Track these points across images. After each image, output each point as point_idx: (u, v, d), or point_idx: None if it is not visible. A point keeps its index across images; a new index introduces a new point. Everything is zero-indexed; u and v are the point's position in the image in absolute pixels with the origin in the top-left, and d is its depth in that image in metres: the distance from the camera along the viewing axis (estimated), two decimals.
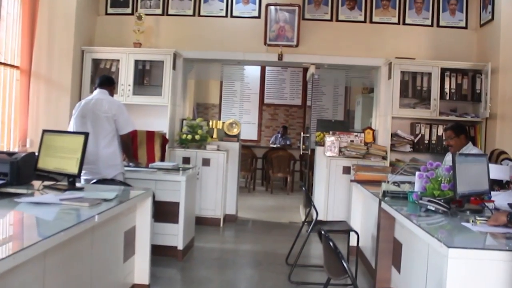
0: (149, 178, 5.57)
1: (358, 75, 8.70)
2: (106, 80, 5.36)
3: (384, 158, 7.13)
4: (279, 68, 14.55)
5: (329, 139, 7.33)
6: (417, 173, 4.29)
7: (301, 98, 14.53)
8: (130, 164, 5.64)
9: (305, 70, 14.71)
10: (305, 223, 5.27)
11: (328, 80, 14.10)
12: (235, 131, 7.77)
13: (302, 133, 8.83)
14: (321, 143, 7.69)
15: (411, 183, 4.53)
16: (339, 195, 7.18)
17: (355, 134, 7.54)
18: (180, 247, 5.58)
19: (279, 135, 13.36)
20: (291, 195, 10.75)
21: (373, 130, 7.59)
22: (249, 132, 14.52)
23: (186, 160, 7.33)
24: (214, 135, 7.74)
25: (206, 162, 7.33)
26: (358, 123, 12.38)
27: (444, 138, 5.65)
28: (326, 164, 7.27)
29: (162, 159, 6.98)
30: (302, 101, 14.53)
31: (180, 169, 5.61)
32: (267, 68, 14.57)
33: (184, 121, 7.80)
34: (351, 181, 5.77)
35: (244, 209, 8.59)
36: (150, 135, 6.98)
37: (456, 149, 5.28)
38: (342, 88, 14.47)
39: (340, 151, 7.32)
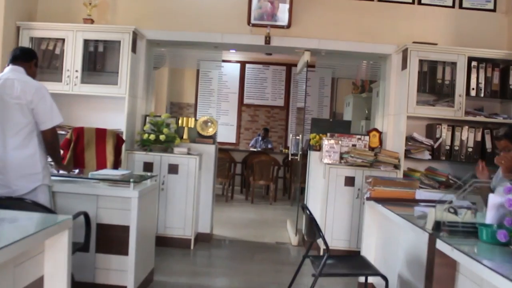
0: (88, 192, 3.83)
1: (361, 65, 6.99)
2: (23, 53, 3.59)
3: (397, 167, 5.49)
4: (260, 66, 12.88)
5: (328, 142, 5.66)
6: (492, 196, 2.66)
7: (283, 99, 12.87)
8: (61, 171, 3.89)
9: (289, 67, 13.08)
10: (308, 258, 3.57)
11: (321, 73, 12.51)
12: (210, 131, 6.05)
13: (292, 136, 7.14)
14: (316, 147, 6.02)
15: (472, 209, 2.88)
16: (340, 213, 5.51)
17: (358, 137, 5.89)
18: (131, 286, 3.85)
19: (260, 138, 11.68)
20: (274, 205, 9.04)
21: (380, 133, 5.95)
22: (227, 134, 12.81)
23: (148, 167, 5.59)
24: (185, 136, 6.00)
25: (173, 168, 5.59)
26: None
27: (498, 149, 3.86)
28: (323, 173, 5.61)
29: (117, 165, 5.23)
30: (285, 101, 12.86)
31: (132, 181, 3.84)
32: (247, 66, 12.87)
33: (147, 118, 6.04)
34: (367, 199, 4.10)
35: (220, 224, 6.87)
36: (101, 134, 5.22)
37: (510, 164, 3.59)
38: (328, 89, 12.86)
39: (341, 157, 5.66)
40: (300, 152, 6.74)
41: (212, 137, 6.05)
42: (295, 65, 13.23)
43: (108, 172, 4.15)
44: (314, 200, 5.94)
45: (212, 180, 6.05)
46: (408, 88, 5.42)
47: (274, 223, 7.51)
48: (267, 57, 12.37)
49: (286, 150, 11.33)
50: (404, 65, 5.56)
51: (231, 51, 12.59)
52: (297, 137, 6.81)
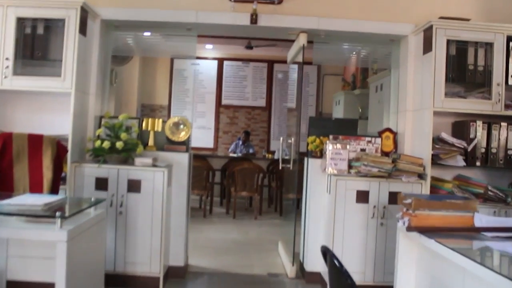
0: None
1: (369, 50, 5.73)
2: None
3: (422, 176, 4.21)
4: (240, 63, 11.54)
5: (332, 147, 4.35)
6: None
7: (265, 98, 11.55)
8: None
9: (271, 64, 11.76)
10: None
11: (306, 69, 11.22)
12: (182, 136, 4.68)
13: (283, 139, 5.79)
14: (316, 153, 4.70)
15: None
16: (351, 238, 4.19)
17: (368, 139, 4.60)
18: None
19: (240, 142, 10.33)
20: (260, 219, 7.68)
21: (394, 134, 4.67)
22: (204, 139, 11.44)
23: (102, 183, 4.19)
24: (150, 142, 4.62)
25: (134, 185, 4.20)
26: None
27: None
28: (328, 187, 4.31)
29: (57, 184, 3.84)
30: (267, 101, 11.54)
31: (59, 216, 2.45)
32: (225, 63, 11.52)
33: (103, 120, 4.65)
34: (408, 229, 2.78)
35: (198, 251, 5.50)
36: (35, 142, 3.81)
37: None
38: (314, 87, 11.59)
39: (349, 166, 4.35)
40: (294, 158, 5.42)
41: (185, 143, 4.69)
42: (278, 62, 11.93)
43: (27, 200, 2.73)
44: (315, 220, 4.62)
45: (185, 198, 4.68)
46: (434, 76, 4.14)
47: (262, 245, 6.16)
48: (247, 53, 11.03)
49: (270, 155, 10.02)
50: (427, 48, 4.28)
51: (207, 47, 11.25)
52: (289, 141, 5.49)
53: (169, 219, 4.48)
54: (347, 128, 4.82)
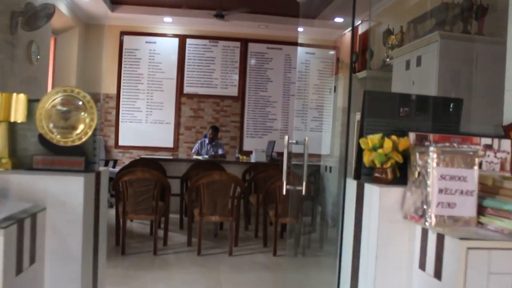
0: None
1: None
2: None
3: None
4: (206, 42, 8.76)
5: (441, 161, 1.66)
6: None
7: (238, 86, 8.82)
8: None
9: (245, 43, 9.01)
10: None
11: (287, 50, 8.66)
12: (77, 135, 1.91)
13: (284, 138, 3.08)
14: (384, 174, 1.98)
15: None
16: None
17: (486, 142, 1.95)
18: None
19: (207, 141, 7.59)
20: (237, 254, 4.92)
21: None
22: (161, 136, 8.65)
23: None
24: (0, 149, 1.85)
25: None
26: (336, 119, 6.94)
27: None
28: (423, 258, 1.62)
29: None
30: (239, 89, 8.81)
31: None
32: (188, 41, 8.73)
33: None
34: None
35: None
36: None
37: None
38: (296, 72, 8.92)
39: (479, 209, 1.68)
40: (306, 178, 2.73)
41: (84, 151, 1.93)
42: (254, 41, 9.23)
43: None
44: None
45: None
46: None
47: None
48: (216, 28, 8.29)
49: (244, 158, 7.31)
50: None
51: (165, 20, 8.43)
52: (295, 141, 2.83)
53: None
54: (438, 116, 2.13)
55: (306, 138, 2.83)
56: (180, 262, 4.62)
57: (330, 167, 6.89)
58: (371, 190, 1.89)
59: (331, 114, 7.24)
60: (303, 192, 2.75)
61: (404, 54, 4.88)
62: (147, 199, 4.61)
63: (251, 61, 8.82)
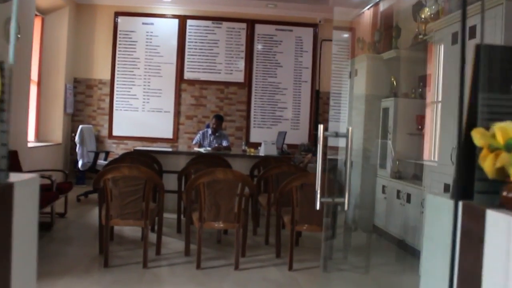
0: None
1: None
2: None
3: None
4: (209, 23, 7.83)
5: None
6: None
7: (244, 71, 7.89)
8: None
9: (251, 24, 8.06)
10: None
11: (298, 31, 7.73)
12: None
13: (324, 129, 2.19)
14: None
15: None
16: None
17: None
18: None
19: (209, 131, 6.68)
20: (244, 269, 4.01)
21: None
22: (160, 126, 7.76)
23: None
24: None
25: None
26: (354, 107, 6.06)
27: None
28: None
29: None
30: (246, 75, 7.89)
31: None
32: (189, 22, 7.81)
33: None
34: None
35: None
36: None
37: None
38: (308, 56, 7.99)
39: None
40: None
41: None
42: (261, 22, 8.26)
43: None
44: None
45: None
46: None
47: None
48: (220, 9, 7.36)
49: (252, 151, 6.40)
50: None
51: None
52: (334, 132, 1.93)
53: None
54: None
55: (350, 129, 1.92)
56: (174, 277, 3.73)
57: (351, 162, 5.99)
58: (503, 223, 0.98)
59: (348, 101, 6.33)
60: (346, 207, 1.84)
61: (448, 26, 3.94)
62: (135, 201, 3.72)
63: (259, 44, 7.89)
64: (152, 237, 4.23)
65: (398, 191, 4.90)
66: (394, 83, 5.28)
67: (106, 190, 3.68)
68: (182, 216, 5.11)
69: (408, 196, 4.67)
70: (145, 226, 3.79)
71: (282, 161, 5.33)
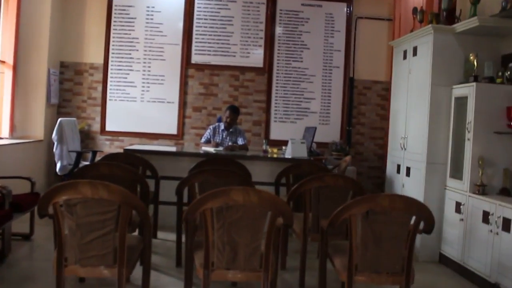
0: None
1: None
2: None
3: None
4: None
5: None
6: None
7: (263, 54, 6.42)
8: None
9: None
10: None
11: (328, 7, 6.27)
12: None
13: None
14: None
15: None
16: None
17: None
18: None
19: (222, 127, 5.24)
20: None
21: None
22: (162, 120, 6.34)
23: None
24: None
25: None
26: (411, 96, 4.59)
27: None
28: None
29: None
30: (265, 58, 6.42)
31: None
32: None
33: None
34: None
35: None
36: None
37: None
38: (341, 36, 6.50)
39: None
40: None
41: None
42: None
43: None
44: None
45: None
46: None
47: None
48: None
49: (275, 151, 4.93)
50: None
51: None
52: None
53: None
54: None
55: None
56: None
57: (408, 168, 4.48)
58: None
59: (405, 90, 4.86)
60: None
61: None
62: (103, 237, 2.28)
63: (281, 23, 6.40)
64: (137, 275, 2.79)
65: (486, 213, 3.42)
66: (475, 62, 3.77)
67: (58, 220, 2.25)
68: (183, 240, 3.64)
69: (506, 222, 3.19)
70: (120, 275, 2.34)
71: (319, 167, 3.85)
